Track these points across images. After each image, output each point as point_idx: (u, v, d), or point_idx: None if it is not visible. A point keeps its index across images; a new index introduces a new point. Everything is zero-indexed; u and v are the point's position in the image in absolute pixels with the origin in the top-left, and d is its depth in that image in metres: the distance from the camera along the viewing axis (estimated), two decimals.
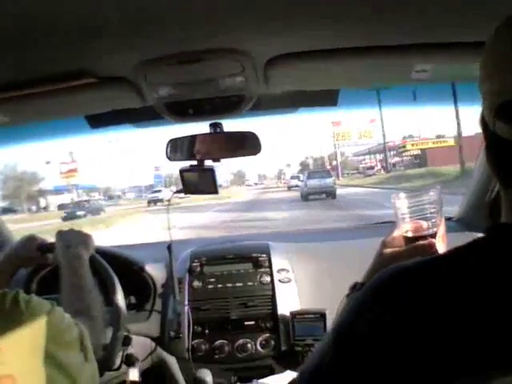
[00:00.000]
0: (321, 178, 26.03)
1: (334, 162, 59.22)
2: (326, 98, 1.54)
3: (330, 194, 25.21)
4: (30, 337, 0.86)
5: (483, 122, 0.61)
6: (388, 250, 0.93)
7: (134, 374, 1.58)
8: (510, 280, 0.51)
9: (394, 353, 0.52)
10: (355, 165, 64.82)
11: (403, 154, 47.69)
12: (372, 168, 49.59)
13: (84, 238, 1.38)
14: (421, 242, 0.89)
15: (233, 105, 1.42)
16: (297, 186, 37.49)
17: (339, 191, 26.75)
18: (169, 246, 1.76)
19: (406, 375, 0.51)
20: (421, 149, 44.95)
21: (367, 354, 0.54)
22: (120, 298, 1.43)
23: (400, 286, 0.56)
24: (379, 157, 56.83)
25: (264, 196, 34.48)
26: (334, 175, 28.74)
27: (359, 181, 40.62)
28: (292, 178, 45.34)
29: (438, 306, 0.52)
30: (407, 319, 0.53)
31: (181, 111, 1.43)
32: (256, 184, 69.40)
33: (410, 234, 0.91)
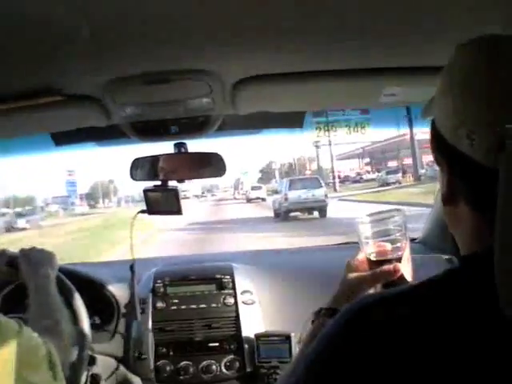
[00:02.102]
0: (307, 188, 18.58)
1: (315, 167, 46.11)
2: (293, 120, 1.55)
3: (320, 210, 18.03)
4: (0, 358, 0.84)
5: (451, 149, 0.58)
6: (353, 275, 0.92)
7: None
8: (484, 316, 0.52)
9: None
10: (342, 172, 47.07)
11: None
12: (396, 172, 33.31)
13: (49, 257, 1.36)
14: (386, 266, 0.89)
15: (199, 125, 1.43)
16: (258, 198, 32.68)
17: None
18: (131, 266, 1.73)
19: None
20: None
21: None
22: (85, 318, 1.44)
23: (371, 321, 0.56)
24: (367, 160, 46.77)
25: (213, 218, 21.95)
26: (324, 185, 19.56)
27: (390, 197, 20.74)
28: (253, 188, 36.48)
29: (412, 340, 0.52)
30: (379, 355, 0.53)
31: (146, 131, 1.43)
32: (198, 197, 54.00)
33: (374, 258, 0.91)
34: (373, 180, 37.58)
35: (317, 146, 36.41)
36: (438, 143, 0.61)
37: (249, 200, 33.85)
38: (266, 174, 67.52)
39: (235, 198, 43.61)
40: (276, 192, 22.51)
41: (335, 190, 32.51)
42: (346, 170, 49.70)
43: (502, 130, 0.52)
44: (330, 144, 32.55)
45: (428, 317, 0.53)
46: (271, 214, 20.17)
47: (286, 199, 18.36)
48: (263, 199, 31.51)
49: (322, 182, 20.13)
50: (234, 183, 56.03)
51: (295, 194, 18.17)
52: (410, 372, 0.51)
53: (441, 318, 0.53)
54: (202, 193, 60.71)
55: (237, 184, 51.59)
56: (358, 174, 46.59)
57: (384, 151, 42.67)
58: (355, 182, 41.49)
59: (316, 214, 18.18)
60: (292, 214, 18.35)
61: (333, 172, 38.27)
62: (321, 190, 18.61)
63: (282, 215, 18.36)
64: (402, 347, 0.52)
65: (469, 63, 0.58)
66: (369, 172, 45.29)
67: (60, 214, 41.98)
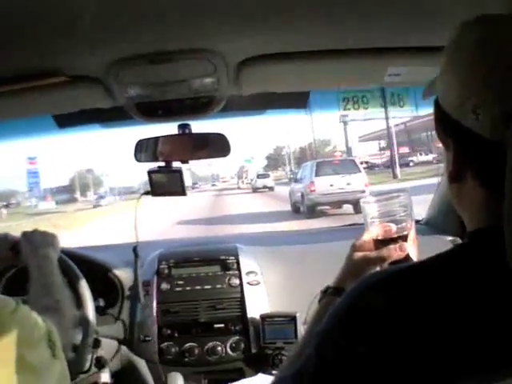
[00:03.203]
0: (340, 173, 13.82)
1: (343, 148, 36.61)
2: (297, 100, 1.55)
3: (356, 204, 12.22)
4: None
5: (456, 125, 0.58)
6: (358, 254, 0.93)
7: (105, 376, 1.57)
8: (493, 288, 0.52)
9: (377, 364, 0.52)
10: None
11: None
12: None
13: (51, 239, 1.35)
14: (391, 246, 0.89)
15: (203, 106, 1.42)
16: (266, 187, 30.00)
17: None
18: (134, 248, 1.74)
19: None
20: None
21: (351, 367, 0.54)
22: (89, 302, 1.45)
23: (380, 298, 0.56)
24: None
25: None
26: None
27: None
28: (259, 176, 32.77)
29: (422, 315, 0.52)
30: (390, 332, 0.53)
31: (151, 111, 1.42)
32: (188, 188, 43.04)
33: (380, 238, 0.91)
34: (429, 163, 30.81)
35: (344, 122, 28.30)
36: (443, 121, 0.61)
37: (255, 190, 30.57)
38: (274, 161, 63.86)
39: (239, 188, 40.85)
40: (295, 180, 17.35)
41: (395, 177, 24.82)
42: (364, 155, 39.50)
43: (509, 103, 0.52)
44: (387, 117, 21.96)
45: (437, 292, 0.53)
46: (285, 206, 16.41)
47: (313, 190, 13.75)
48: (271, 188, 29.89)
49: (359, 165, 15.39)
50: (237, 171, 52.84)
51: (325, 182, 13.61)
52: (420, 347, 0.51)
53: (450, 292, 0.53)
54: (194, 183, 57.44)
55: (240, 172, 48.58)
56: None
57: (428, 128, 35.08)
58: (402, 165, 31.25)
59: (347, 207, 13.66)
60: (319, 208, 14.11)
61: (391, 151, 28.46)
62: (359, 176, 13.92)
63: (306, 210, 13.94)
64: (412, 323, 0.52)
65: (473, 40, 0.58)
66: (420, 153, 36.93)
67: (3, 216, 33.47)
